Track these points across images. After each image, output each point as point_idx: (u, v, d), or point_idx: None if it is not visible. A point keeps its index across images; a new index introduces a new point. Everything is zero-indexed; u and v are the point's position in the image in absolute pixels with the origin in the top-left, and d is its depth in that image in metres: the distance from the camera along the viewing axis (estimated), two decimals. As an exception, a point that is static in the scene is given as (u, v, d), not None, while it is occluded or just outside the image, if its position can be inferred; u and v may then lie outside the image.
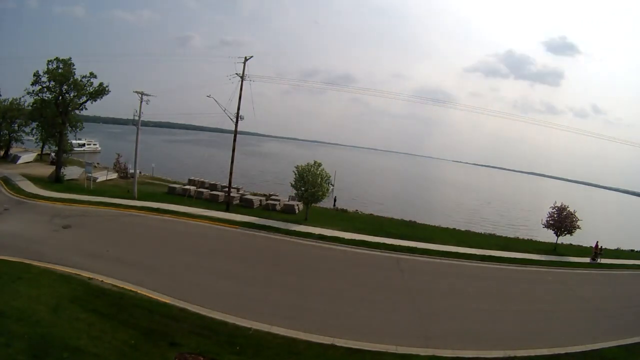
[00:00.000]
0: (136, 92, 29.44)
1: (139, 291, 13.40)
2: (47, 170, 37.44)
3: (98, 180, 35.40)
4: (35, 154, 47.64)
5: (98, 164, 49.20)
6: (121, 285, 13.66)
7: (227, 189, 29.89)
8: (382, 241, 23.34)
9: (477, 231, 33.94)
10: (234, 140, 29.55)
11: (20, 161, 42.75)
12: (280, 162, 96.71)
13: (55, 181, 32.57)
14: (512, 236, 33.14)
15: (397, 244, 23.28)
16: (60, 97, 31.98)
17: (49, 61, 31.21)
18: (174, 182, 38.47)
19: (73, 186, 31.68)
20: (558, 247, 28.53)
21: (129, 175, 39.98)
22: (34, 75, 30.89)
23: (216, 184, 35.73)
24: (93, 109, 34.92)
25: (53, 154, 41.09)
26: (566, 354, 12.38)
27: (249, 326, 11.85)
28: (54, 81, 31.13)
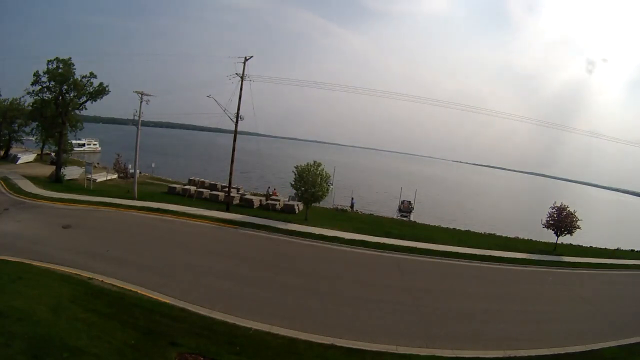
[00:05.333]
0: (136, 92, 29.46)
1: (139, 291, 13.39)
2: (47, 170, 37.44)
3: (98, 181, 35.40)
4: (35, 154, 47.62)
5: (98, 164, 49.22)
6: (121, 285, 13.65)
7: (227, 189, 29.90)
8: (382, 241, 23.34)
9: (477, 231, 33.93)
10: (234, 140, 29.56)
11: (20, 161, 42.73)
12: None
13: (55, 181, 32.57)
14: (512, 236, 33.13)
15: (397, 244, 23.29)
16: (60, 97, 31.98)
17: (49, 61, 31.22)
18: (174, 182, 38.48)
19: (73, 186, 31.68)
20: (558, 247, 28.53)
21: (128, 176, 39.96)
22: (34, 75, 30.89)
23: (216, 184, 35.74)
24: (93, 109, 34.97)
25: (53, 154, 41.08)
26: (566, 354, 12.37)
27: (249, 326, 11.84)
28: (54, 81, 31.12)
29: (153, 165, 47.26)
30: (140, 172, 37.05)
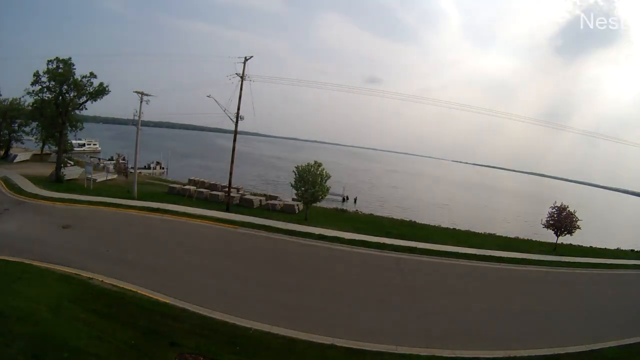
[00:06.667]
0: (136, 92, 29.47)
1: (139, 291, 13.39)
2: (47, 169, 37.41)
3: (98, 181, 35.41)
4: (31, 153, 47.51)
5: (98, 163, 49.20)
6: (121, 285, 13.65)
7: (227, 189, 29.90)
8: (382, 241, 23.32)
9: (477, 231, 33.92)
10: (234, 140, 29.57)
11: (16, 160, 42.76)
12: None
13: (55, 181, 32.56)
14: (512, 236, 33.12)
15: (397, 243, 23.27)
16: (60, 97, 31.94)
17: (49, 61, 31.14)
18: (174, 182, 38.48)
19: (73, 186, 31.67)
20: (558, 247, 28.52)
21: (128, 175, 39.95)
22: (34, 75, 30.80)
23: (216, 184, 35.73)
24: (93, 109, 34.95)
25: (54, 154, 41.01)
26: (566, 354, 12.35)
27: (249, 326, 11.84)
28: (54, 81, 31.07)
29: (153, 165, 47.32)
30: (140, 172, 37.04)
